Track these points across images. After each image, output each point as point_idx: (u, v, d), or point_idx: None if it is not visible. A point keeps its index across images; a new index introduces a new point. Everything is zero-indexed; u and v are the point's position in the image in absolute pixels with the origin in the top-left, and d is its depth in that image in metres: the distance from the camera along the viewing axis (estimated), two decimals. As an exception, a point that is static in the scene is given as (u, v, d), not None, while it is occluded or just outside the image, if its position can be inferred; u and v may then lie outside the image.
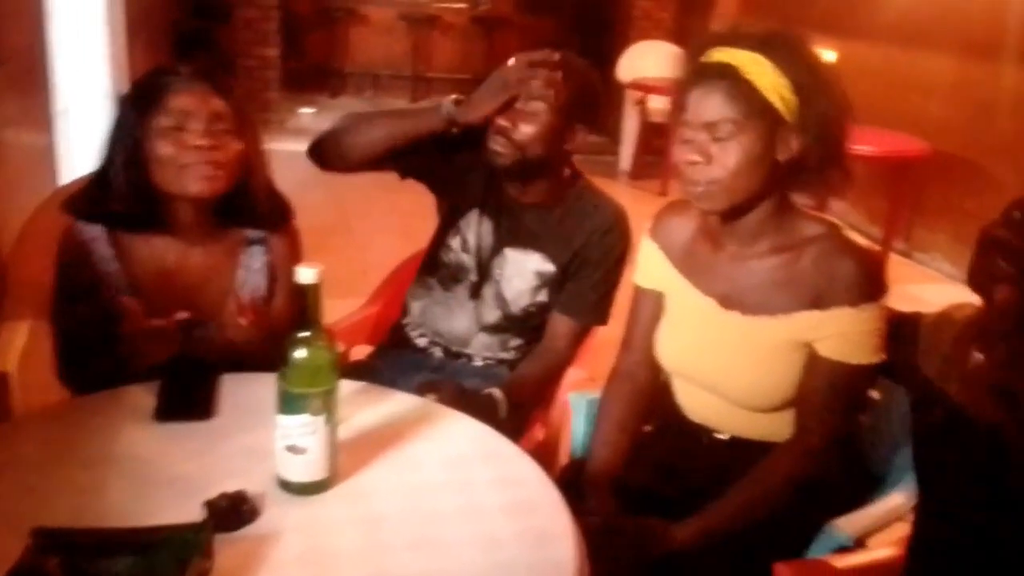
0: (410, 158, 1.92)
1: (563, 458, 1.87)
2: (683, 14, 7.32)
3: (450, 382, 1.78)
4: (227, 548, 1.13)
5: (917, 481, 1.41)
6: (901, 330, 1.46)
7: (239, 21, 6.57)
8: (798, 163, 1.45)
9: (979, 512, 1.29)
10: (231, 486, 1.23)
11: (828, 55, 5.41)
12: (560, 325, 1.92)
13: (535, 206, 1.92)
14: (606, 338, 1.94)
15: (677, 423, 1.70)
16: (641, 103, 6.65)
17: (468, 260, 1.97)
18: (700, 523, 1.49)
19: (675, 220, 1.67)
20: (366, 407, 1.51)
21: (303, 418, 1.22)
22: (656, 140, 6.47)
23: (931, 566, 1.36)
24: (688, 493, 1.56)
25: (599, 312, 1.93)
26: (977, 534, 1.29)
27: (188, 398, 1.47)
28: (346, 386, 1.56)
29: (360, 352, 2.14)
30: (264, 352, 1.40)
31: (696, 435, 1.66)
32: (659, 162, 6.32)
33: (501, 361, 1.98)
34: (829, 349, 1.48)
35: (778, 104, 1.41)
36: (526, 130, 1.78)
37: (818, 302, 1.47)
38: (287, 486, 1.25)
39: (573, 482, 1.63)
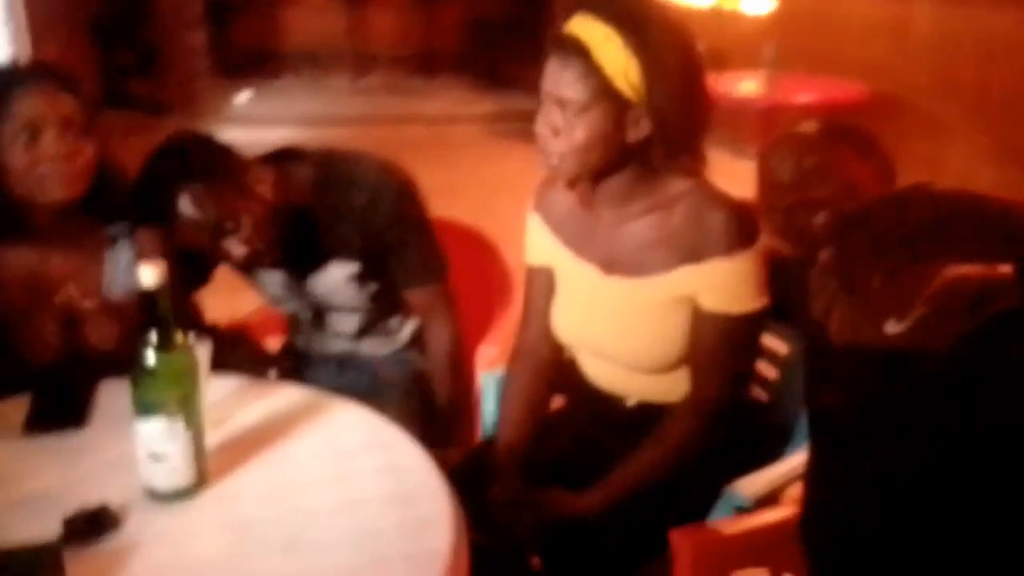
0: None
1: (475, 438, 1.85)
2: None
3: None
4: (84, 563, 1.09)
5: (809, 427, 1.39)
6: (794, 273, 1.44)
7: (162, 9, 6.38)
8: (649, 142, 1.42)
9: (871, 449, 1.27)
10: (96, 498, 1.18)
11: (766, 4, 5.37)
12: (413, 298, 1.86)
13: (303, 222, 1.75)
14: (519, 313, 1.90)
15: (587, 394, 1.68)
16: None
17: (291, 306, 1.91)
18: (603, 489, 1.48)
19: (555, 191, 1.63)
20: (249, 404, 1.46)
21: (160, 423, 1.16)
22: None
23: (825, 520, 1.35)
24: (600, 463, 1.54)
25: (433, 268, 1.83)
26: (870, 478, 1.28)
27: (60, 407, 1.42)
28: (229, 384, 1.53)
29: (274, 343, 2.10)
30: None
31: (606, 404, 1.64)
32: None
33: (406, 347, 1.95)
34: (710, 301, 1.46)
35: (624, 88, 1.38)
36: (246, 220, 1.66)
37: (693, 256, 1.45)
38: (152, 494, 1.20)
39: (480, 463, 1.61)
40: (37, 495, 1.22)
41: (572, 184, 1.49)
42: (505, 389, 1.70)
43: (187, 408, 1.18)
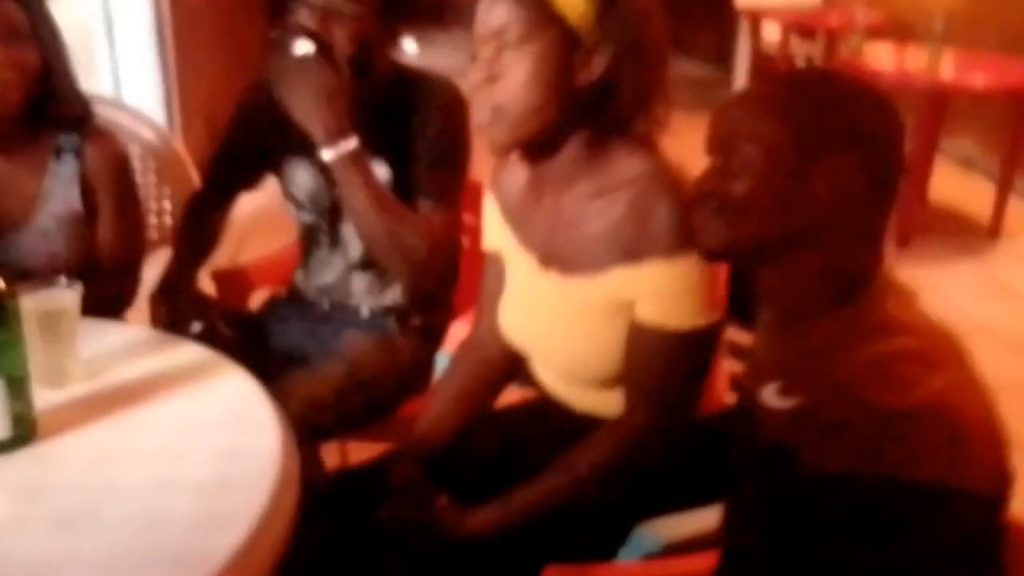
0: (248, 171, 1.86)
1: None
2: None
3: None
4: None
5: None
6: None
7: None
8: (603, 91, 1.19)
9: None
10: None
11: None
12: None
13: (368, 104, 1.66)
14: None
15: (545, 397, 1.48)
16: (754, 31, 6.15)
17: (310, 216, 1.80)
18: (498, 510, 1.28)
19: (511, 166, 1.40)
20: (133, 361, 1.36)
21: (-41, 370, 1.08)
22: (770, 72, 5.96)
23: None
24: (534, 471, 1.34)
25: (447, 193, 1.66)
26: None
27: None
28: (128, 333, 1.45)
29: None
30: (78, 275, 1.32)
31: (554, 411, 1.44)
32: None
33: (388, 310, 1.81)
34: (645, 311, 1.22)
35: (570, 14, 1.15)
36: (337, 34, 1.56)
37: (631, 255, 1.21)
38: (-40, 444, 1.13)
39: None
40: None
41: (508, 149, 1.27)
42: (442, 377, 1.53)
43: (1, 355, 1.09)
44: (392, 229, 1.56)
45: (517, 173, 1.38)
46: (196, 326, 1.61)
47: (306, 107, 1.53)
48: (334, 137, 1.52)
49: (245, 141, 1.82)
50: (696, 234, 1.02)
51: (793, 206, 0.93)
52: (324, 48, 1.56)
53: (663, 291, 1.20)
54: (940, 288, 3.57)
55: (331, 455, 1.81)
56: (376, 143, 1.64)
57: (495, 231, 1.44)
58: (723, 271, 1.22)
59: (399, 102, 1.67)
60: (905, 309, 0.96)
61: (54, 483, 1.10)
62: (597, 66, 1.17)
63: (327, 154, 1.54)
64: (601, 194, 1.24)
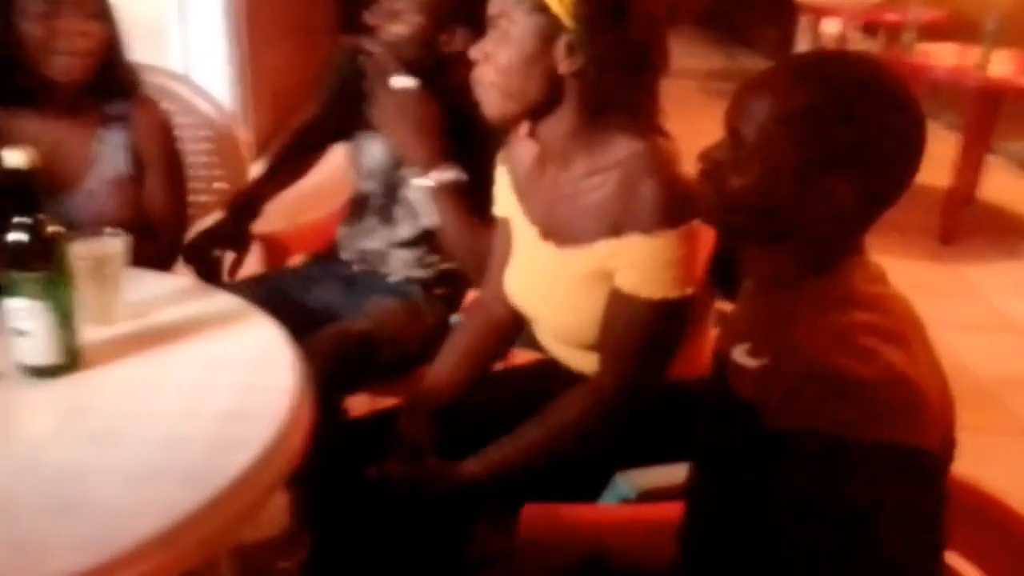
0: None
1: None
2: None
3: None
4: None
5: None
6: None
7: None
8: (588, 78, 1.29)
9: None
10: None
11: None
12: None
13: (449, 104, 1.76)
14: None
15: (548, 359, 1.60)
16: (814, 26, 6.12)
17: (371, 186, 1.92)
18: (480, 461, 1.40)
19: (523, 141, 1.51)
20: (176, 304, 1.50)
21: (18, 301, 1.23)
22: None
23: (697, 540, 1.19)
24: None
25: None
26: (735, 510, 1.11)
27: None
28: (170, 281, 1.60)
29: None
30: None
31: (555, 371, 1.55)
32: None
33: (416, 279, 1.93)
34: (623, 280, 1.32)
35: (551, 3, 1.25)
36: (396, 30, 1.68)
37: (615, 229, 1.31)
38: (19, 368, 1.27)
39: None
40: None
41: (502, 122, 1.39)
42: (451, 337, 1.64)
43: (48, 291, 1.23)
44: (477, 248, 1.69)
45: (527, 148, 1.49)
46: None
47: (405, 139, 1.67)
48: (431, 168, 1.66)
49: (338, 97, 1.94)
50: (695, 200, 1.09)
51: (782, 214, 0.99)
52: (423, 81, 1.68)
53: (640, 263, 1.30)
54: (980, 285, 3.57)
55: (361, 408, 1.94)
56: (453, 148, 1.73)
57: (504, 200, 1.55)
58: (704, 249, 1.31)
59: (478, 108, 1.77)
60: (872, 285, 1.03)
61: (92, 405, 1.24)
62: (579, 56, 1.27)
63: (424, 182, 1.68)
64: (596, 172, 1.35)
